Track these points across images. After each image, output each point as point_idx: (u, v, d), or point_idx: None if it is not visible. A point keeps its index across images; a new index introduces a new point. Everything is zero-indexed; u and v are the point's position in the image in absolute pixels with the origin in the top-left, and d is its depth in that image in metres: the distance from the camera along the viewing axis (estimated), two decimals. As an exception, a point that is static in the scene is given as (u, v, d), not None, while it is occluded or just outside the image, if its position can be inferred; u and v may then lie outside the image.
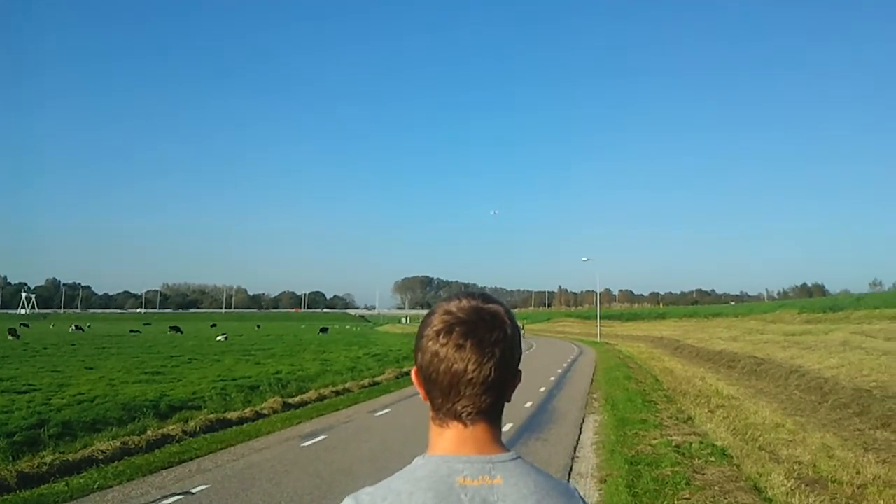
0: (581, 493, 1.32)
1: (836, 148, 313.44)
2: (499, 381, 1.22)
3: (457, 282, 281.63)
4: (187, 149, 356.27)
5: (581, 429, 13.65)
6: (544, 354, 42.31)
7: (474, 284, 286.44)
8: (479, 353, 1.20)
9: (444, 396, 1.23)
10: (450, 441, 1.24)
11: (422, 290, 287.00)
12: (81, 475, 9.24)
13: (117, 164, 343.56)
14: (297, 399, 16.93)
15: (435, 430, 1.27)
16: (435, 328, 1.24)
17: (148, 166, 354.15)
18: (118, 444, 10.81)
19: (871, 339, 24.84)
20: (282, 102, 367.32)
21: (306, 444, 11.56)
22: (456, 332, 1.22)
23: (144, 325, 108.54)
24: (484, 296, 1.31)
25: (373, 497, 1.18)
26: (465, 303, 1.27)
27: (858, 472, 9.31)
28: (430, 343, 1.24)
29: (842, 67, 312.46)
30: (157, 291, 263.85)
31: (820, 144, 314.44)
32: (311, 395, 17.78)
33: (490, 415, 1.25)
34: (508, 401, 1.31)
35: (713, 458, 10.24)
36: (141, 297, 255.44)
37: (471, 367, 1.20)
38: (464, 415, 1.23)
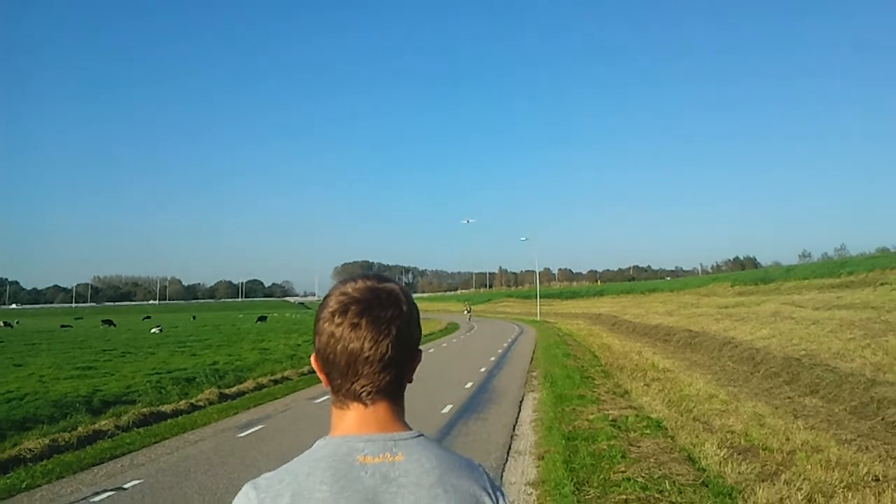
0: (485, 469, 1.31)
1: (764, 123, 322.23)
2: (397, 359, 1.22)
3: (397, 265, 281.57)
4: (112, 135, 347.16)
5: (520, 407, 13.78)
6: (485, 335, 42.58)
7: (415, 268, 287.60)
8: (374, 330, 1.20)
9: (343, 377, 1.23)
10: (351, 422, 1.24)
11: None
12: (8, 476, 8.91)
13: (40, 154, 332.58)
14: (234, 389, 16.66)
15: (336, 413, 1.26)
16: (330, 309, 1.24)
17: (72, 155, 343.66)
18: (47, 441, 10.46)
19: (800, 308, 25.59)
20: (209, 84, 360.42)
21: (243, 434, 11.40)
22: (351, 312, 1.21)
23: (76, 319, 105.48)
24: (379, 276, 1.31)
25: (270, 481, 1.18)
26: (360, 283, 1.27)
27: (788, 439, 9.58)
28: (326, 324, 1.23)
29: (766, 42, 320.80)
30: (88, 285, 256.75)
31: (748, 120, 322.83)
32: (249, 384, 17.54)
33: (390, 393, 1.25)
34: (410, 381, 1.30)
35: (648, 431, 10.44)
36: (71, 290, 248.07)
37: (367, 346, 1.20)
38: (363, 394, 1.23)
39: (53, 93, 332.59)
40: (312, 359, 1.29)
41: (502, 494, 1.28)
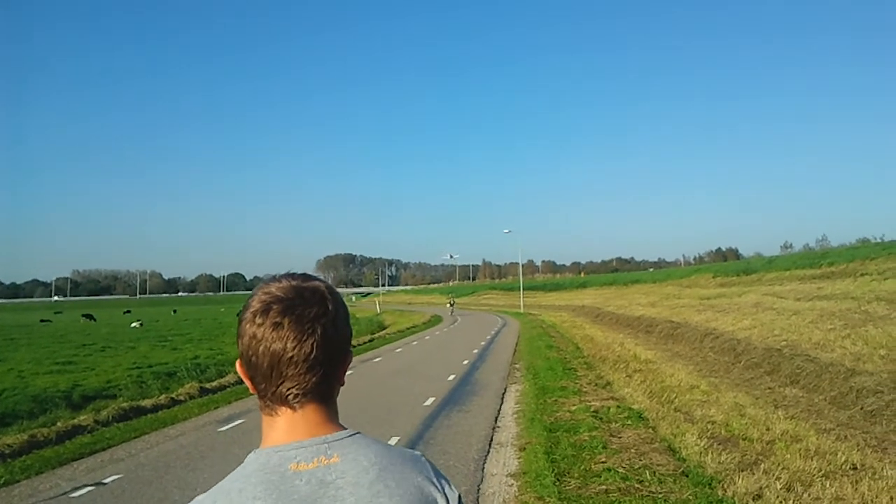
0: (429, 459, 1.29)
1: (747, 114, 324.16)
2: (323, 359, 1.18)
3: (380, 258, 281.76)
4: (92, 129, 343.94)
5: (503, 399, 13.79)
6: (468, 328, 42.60)
7: (398, 260, 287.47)
8: (297, 330, 1.16)
9: (267, 380, 1.18)
10: (281, 429, 1.19)
11: (345, 268, 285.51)
12: (-14, 471, 8.83)
13: (18, 148, 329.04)
14: (215, 384, 16.59)
15: (266, 420, 1.22)
16: (252, 309, 1.19)
17: (52, 149, 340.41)
18: (26, 437, 10.36)
19: (781, 299, 25.75)
20: (191, 79, 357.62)
21: (223, 428, 11.34)
22: (273, 311, 1.17)
23: (55, 313, 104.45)
24: (305, 275, 1.26)
25: (202, 502, 1.13)
26: (284, 282, 1.22)
27: (768, 429, 9.64)
28: (248, 326, 1.18)
29: (746, 31, 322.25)
30: (67, 279, 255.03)
31: (732, 111, 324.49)
32: (230, 378, 17.44)
33: (319, 395, 1.20)
34: (342, 383, 1.26)
35: (630, 422, 10.48)
36: (51, 285, 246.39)
37: (290, 346, 1.15)
38: (290, 397, 1.18)
39: (32, 87, 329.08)
40: (237, 364, 1.24)
41: (447, 482, 1.25)
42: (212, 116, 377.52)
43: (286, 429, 1.18)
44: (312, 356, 1.16)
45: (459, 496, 1.25)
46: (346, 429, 1.22)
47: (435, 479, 1.23)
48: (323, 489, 1.12)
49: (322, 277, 1.29)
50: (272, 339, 1.15)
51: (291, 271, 1.27)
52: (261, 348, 1.16)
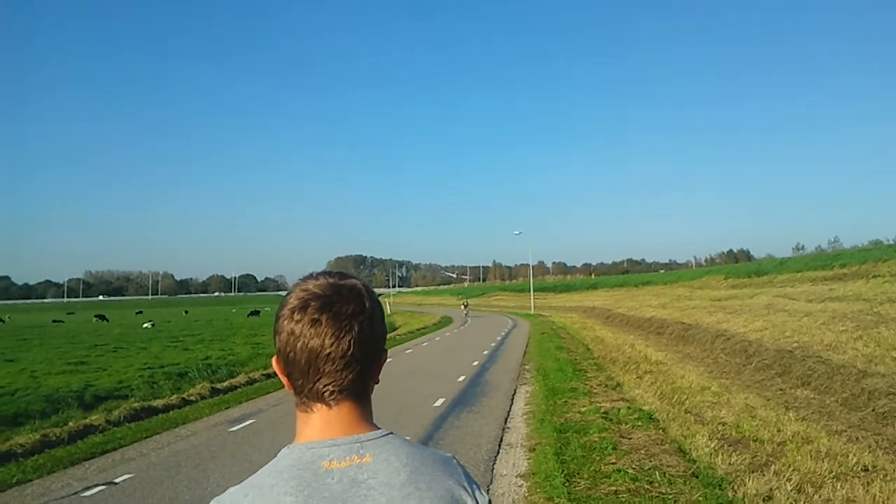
0: (459, 462, 1.29)
1: (760, 117, 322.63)
2: (360, 357, 1.19)
3: (390, 259, 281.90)
4: (104, 131, 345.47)
5: (512, 400, 13.78)
6: (478, 329, 42.57)
7: (408, 262, 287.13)
8: (335, 327, 1.16)
9: (304, 377, 1.19)
10: (315, 426, 1.20)
11: (355, 269, 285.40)
12: (-1, 471, 8.90)
13: (31, 150, 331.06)
14: (226, 384, 16.62)
15: (301, 417, 1.23)
16: (290, 306, 1.20)
17: (64, 151, 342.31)
18: (38, 436, 10.43)
19: (793, 301, 25.62)
20: (202, 81, 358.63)
21: (234, 428, 11.36)
22: (311, 308, 1.17)
23: (68, 314, 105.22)
24: (341, 273, 1.27)
25: (234, 496, 1.14)
26: (321, 280, 1.23)
27: (779, 431, 9.60)
28: (286, 322, 1.19)
29: (760, 36, 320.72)
30: (79, 280, 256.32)
31: (745, 115, 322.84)
32: (241, 379, 17.48)
33: (355, 393, 1.21)
34: (376, 382, 1.27)
35: (640, 423, 10.45)
36: (63, 286, 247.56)
37: (328, 342, 1.16)
38: (326, 394, 1.19)
39: (45, 88, 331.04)
40: (273, 361, 1.25)
41: (478, 487, 1.25)
42: (224, 118, 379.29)
43: (321, 426, 1.19)
44: (349, 353, 1.17)
45: (490, 501, 1.25)
46: (379, 428, 1.23)
47: (466, 484, 1.23)
48: (354, 488, 1.12)
49: (357, 277, 1.29)
50: (310, 336, 1.16)
51: (327, 270, 1.28)
52: (299, 345, 1.17)
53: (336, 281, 1.23)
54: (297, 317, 1.18)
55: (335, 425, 1.19)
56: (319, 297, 1.18)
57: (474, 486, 1.24)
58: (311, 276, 1.25)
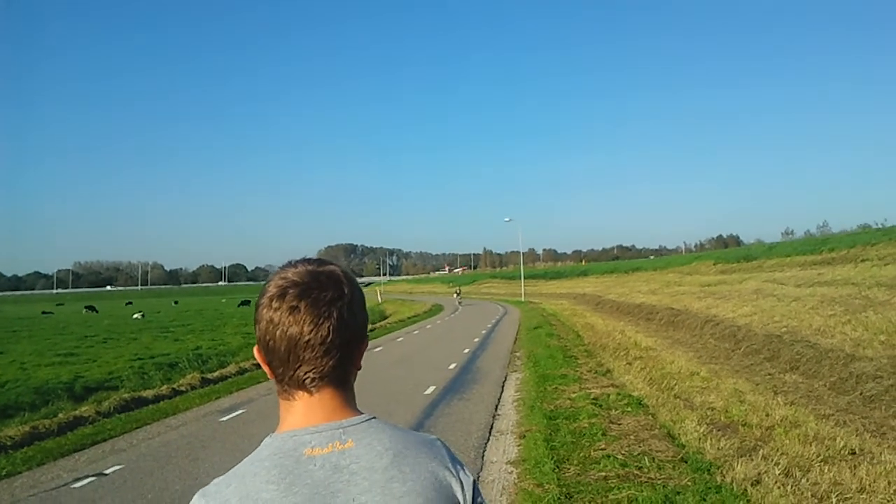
0: (445, 443, 1.30)
1: (747, 102, 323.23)
2: (339, 343, 1.18)
3: (381, 247, 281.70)
4: (93, 121, 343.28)
5: (503, 387, 13.83)
6: (469, 316, 42.63)
7: (399, 250, 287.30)
8: (314, 314, 1.16)
9: (285, 365, 1.19)
10: (297, 414, 1.20)
11: (346, 258, 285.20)
12: (-12, 463, 8.87)
13: (20, 141, 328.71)
14: (216, 374, 16.62)
15: (283, 405, 1.23)
16: (269, 294, 1.20)
17: (53, 141, 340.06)
18: (28, 428, 10.41)
19: (782, 286, 25.69)
20: (192, 73, 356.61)
21: (224, 418, 11.37)
22: (290, 295, 1.17)
23: (57, 305, 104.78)
24: (320, 260, 1.27)
25: (219, 486, 1.14)
26: (300, 267, 1.22)
27: (767, 415, 9.64)
28: (265, 310, 1.19)
29: (748, 22, 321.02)
30: (69, 271, 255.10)
31: (733, 100, 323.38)
32: (232, 368, 17.47)
33: (336, 379, 1.21)
34: (358, 368, 1.27)
35: (630, 409, 10.49)
36: (52, 277, 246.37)
37: (307, 329, 1.16)
38: (307, 381, 1.18)
39: (32, 80, 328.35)
40: (255, 350, 1.25)
41: (462, 467, 1.26)
42: (212, 108, 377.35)
43: (303, 413, 1.19)
44: (329, 340, 1.17)
45: (474, 481, 1.26)
46: (362, 414, 1.23)
47: (450, 464, 1.23)
48: (337, 474, 1.13)
49: (337, 263, 1.28)
50: (289, 323, 1.16)
51: (307, 257, 1.28)
52: (278, 332, 1.17)
53: (314, 268, 1.22)
54: (275, 305, 1.18)
55: (317, 412, 1.19)
56: (298, 285, 1.18)
57: (458, 467, 1.25)
58: (289, 264, 1.25)
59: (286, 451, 1.14)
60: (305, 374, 1.18)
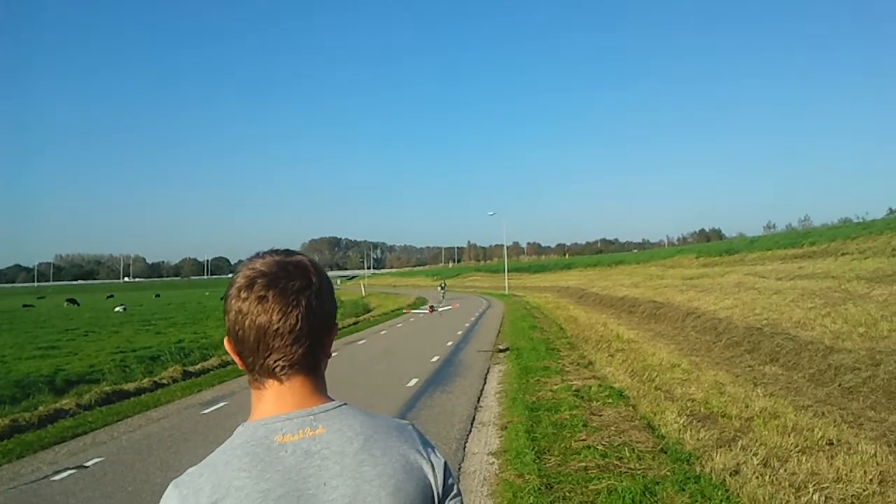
0: (416, 427, 1.31)
1: (729, 96, 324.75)
2: (308, 331, 1.20)
3: (365, 241, 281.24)
4: (74, 115, 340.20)
5: (485, 379, 13.86)
6: (453, 310, 42.62)
7: (383, 243, 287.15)
8: (282, 303, 1.18)
9: (254, 354, 1.20)
10: (268, 402, 1.21)
11: (330, 251, 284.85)
12: (-32, 456, 8.80)
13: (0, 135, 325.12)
14: (198, 367, 16.57)
15: (254, 394, 1.24)
16: (237, 285, 1.21)
17: (33, 135, 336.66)
18: (8, 421, 10.34)
19: (763, 279, 25.89)
20: (179, 67, 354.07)
21: (206, 411, 11.34)
22: (258, 285, 1.19)
23: (38, 298, 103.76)
24: (288, 250, 1.29)
25: (192, 476, 1.16)
26: (268, 258, 1.25)
27: (747, 406, 9.72)
28: (234, 301, 1.21)
29: (731, 15, 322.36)
30: (50, 263, 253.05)
31: (717, 93, 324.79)
32: (214, 361, 17.45)
33: (306, 367, 1.23)
34: (328, 356, 1.29)
35: (611, 400, 10.56)
36: (33, 269, 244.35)
37: (275, 318, 1.17)
38: (277, 369, 1.20)
39: (16, 75, 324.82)
40: (225, 341, 1.26)
41: (433, 449, 1.27)
42: (196, 102, 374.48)
43: (274, 401, 1.21)
44: (298, 328, 1.18)
45: (446, 463, 1.28)
46: (333, 400, 1.25)
47: (421, 447, 1.25)
48: (308, 460, 1.14)
49: (305, 253, 1.30)
50: (257, 313, 1.18)
51: (274, 248, 1.30)
52: (247, 322, 1.18)
53: (282, 258, 1.24)
54: (243, 295, 1.19)
55: (288, 400, 1.21)
56: (265, 275, 1.20)
57: (429, 449, 1.27)
58: (257, 255, 1.27)
59: (258, 439, 1.16)
60: (275, 362, 1.19)
